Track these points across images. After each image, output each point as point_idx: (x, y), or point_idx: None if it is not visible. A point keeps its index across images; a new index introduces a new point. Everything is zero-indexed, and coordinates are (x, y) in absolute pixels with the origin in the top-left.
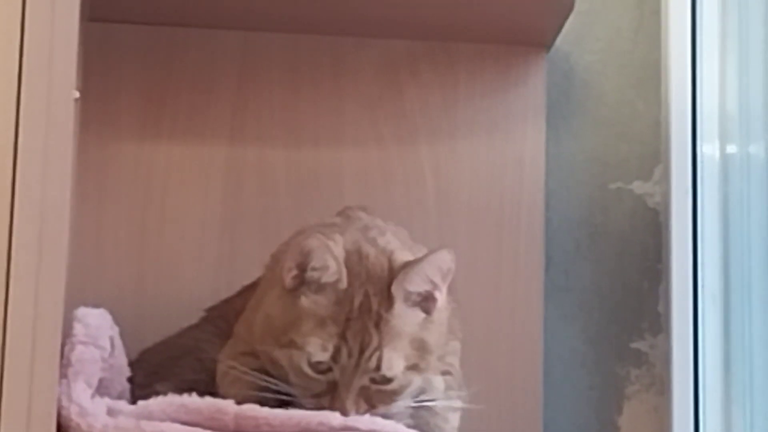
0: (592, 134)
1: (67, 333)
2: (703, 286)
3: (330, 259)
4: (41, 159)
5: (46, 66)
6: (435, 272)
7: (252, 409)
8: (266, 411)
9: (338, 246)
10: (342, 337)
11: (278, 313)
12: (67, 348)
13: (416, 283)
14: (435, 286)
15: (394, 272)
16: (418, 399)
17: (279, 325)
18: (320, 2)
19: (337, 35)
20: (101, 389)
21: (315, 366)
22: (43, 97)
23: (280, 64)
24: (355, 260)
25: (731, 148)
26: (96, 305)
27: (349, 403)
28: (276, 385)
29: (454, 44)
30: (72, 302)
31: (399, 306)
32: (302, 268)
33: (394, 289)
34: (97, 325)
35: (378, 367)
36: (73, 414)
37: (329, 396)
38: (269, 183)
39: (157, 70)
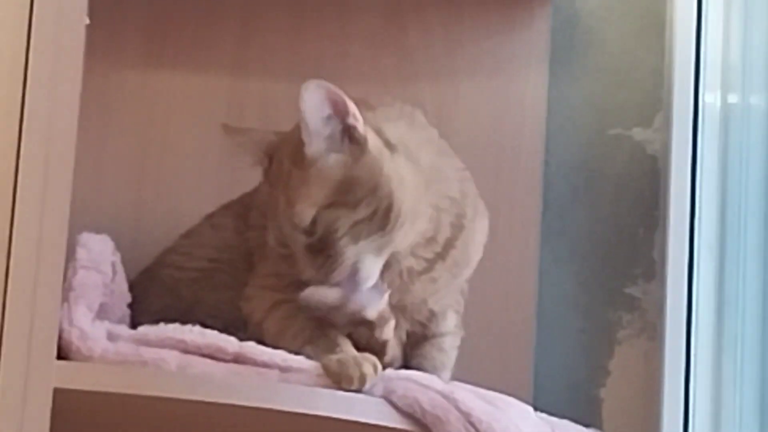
0: (594, 80)
1: (69, 257)
2: (699, 235)
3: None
4: (51, 84)
5: None
6: (316, 109)
7: (252, 350)
8: (267, 352)
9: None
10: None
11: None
12: (69, 272)
13: (316, 131)
14: (338, 118)
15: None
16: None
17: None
18: None
19: None
20: (102, 314)
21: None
22: (54, 23)
23: (284, 1)
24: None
25: (733, 98)
26: (96, 231)
27: (302, 265)
28: None
29: None
30: (74, 227)
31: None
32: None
33: (306, 150)
34: (99, 250)
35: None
36: (73, 337)
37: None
38: (270, 117)
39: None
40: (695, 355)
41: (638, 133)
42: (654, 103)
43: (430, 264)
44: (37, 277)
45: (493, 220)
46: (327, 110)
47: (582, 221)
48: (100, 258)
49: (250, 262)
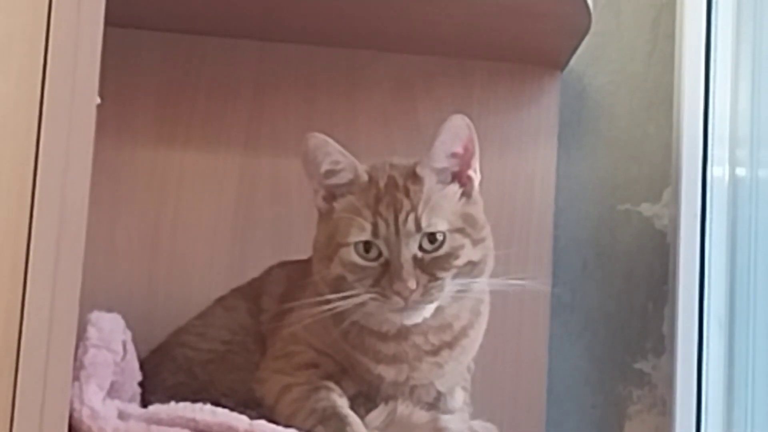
0: (603, 155)
1: (80, 336)
2: (708, 309)
3: (334, 150)
4: (62, 163)
5: (70, 71)
6: (453, 140)
7: (263, 429)
8: (279, 430)
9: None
10: (376, 213)
11: (322, 237)
12: (80, 351)
13: (439, 158)
14: (461, 159)
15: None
16: (469, 277)
17: (323, 241)
18: (337, 15)
19: (354, 48)
20: (113, 392)
21: (362, 252)
22: (66, 102)
23: (296, 75)
24: (378, 165)
25: (741, 172)
26: (108, 309)
27: (406, 274)
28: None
29: (470, 61)
30: (85, 305)
31: (429, 182)
32: (322, 178)
33: (419, 170)
34: (110, 328)
35: (418, 227)
36: (84, 416)
37: (387, 276)
38: (282, 192)
39: (174, 77)
40: (706, 429)
41: (647, 209)
42: (663, 178)
43: (437, 349)
44: (48, 356)
45: (503, 295)
46: (458, 148)
47: (592, 296)
48: (111, 337)
49: (263, 345)
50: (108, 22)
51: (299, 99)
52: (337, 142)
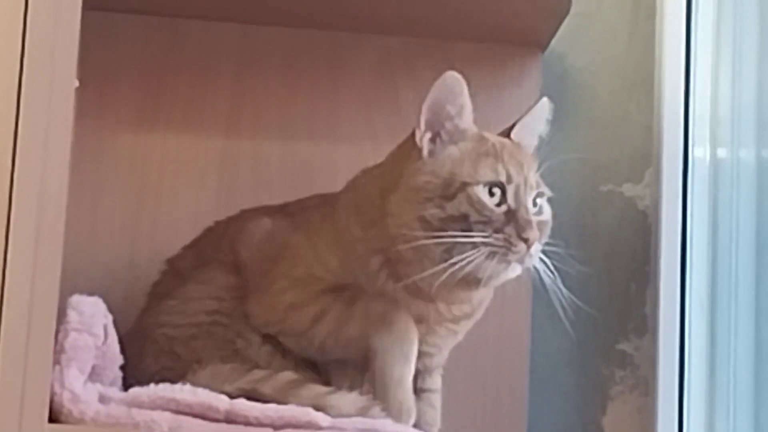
0: (584, 136)
1: (60, 320)
2: (690, 290)
3: (465, 94)
4: (41, 148)
5: (48, 55)
6: (536, 124)
7: (243, 407)
8: (258, 407)
9: None
10: (502, 160)
11: (430, 177)
12: (60, 335)
13: (528, 136)
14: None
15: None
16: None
17: (439, 182)
18: None
19: (335, 30)
20: (94, 376)
21: (493, 194)
22: (44, 86)
23: (278, 59)
24: None
25: (722, 153)
26: (89, 293)
27: (532, 228)
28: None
29: (451, 43)
30: (65, 289)
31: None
32: (435, 124)
33: (513, 136)
34: (91, 312)
35: (537, 184)
36: (65, 400)
37: (511, 224)
38: (264, 176)
39: (154, 60)
40: (688, 410)
41: (629, 189)
42: (644, 159)
43: (457, 319)
44: (29, 340)
45: None
46: (539, 131)
47: (574, 277)
48: (92, 320)
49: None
50: (87, 5)
51: (280, 82)
52: (319, 125)
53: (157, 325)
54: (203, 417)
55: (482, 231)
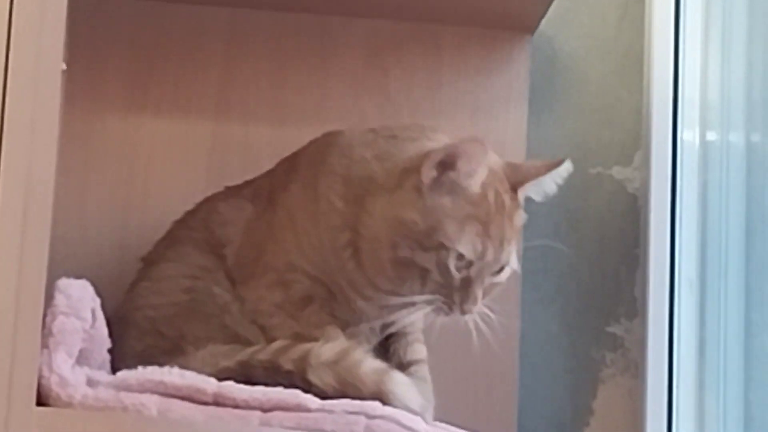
0: (574, 119)
1: (48, 303)
2: (679, 272)
3: (482, 166)
4: (28, 132)
5: (34, 38)
6: (551, 183)
7: (231, 389)
8: (246, 390)
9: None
10: (486, 235)
11: (418, 217)
12: (48, 318)
13: (536, 192)
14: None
15: (516, 176)
16: None
17: (422, 228)
18: None
19: (324, 14)
20: (82, 360)
21: (459, 265)
22: (30, 69)
23: (267, 42)
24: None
25: (711, 136)
26: (78, 277)
27: (478, 296)
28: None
29: (440, 26)
30: (54, 273)
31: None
32: (445, 169)
33: (520, 194)
34: (78, 296)
35: (506, 261)
36: (53, 384)
37: (461, 292)
38: (253, 160)
39: (143, 44)
40: (677, 391)
41: (618, 172)
42: (634, 142)
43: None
44: (17, 324)
45: None
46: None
47: (564, 260)
48: (80, 304)
49: (231, 279)
50: None
51: (269, 66)
52: (308, 108)
53: (134, 308)
54: (191, 399)
55: (432, 287)
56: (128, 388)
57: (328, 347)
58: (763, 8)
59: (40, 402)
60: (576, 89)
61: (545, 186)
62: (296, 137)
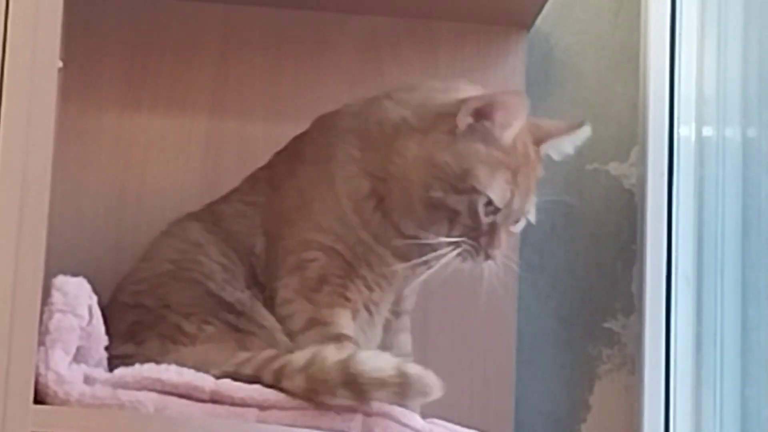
0: (570, 115)
1: (45, 301)
2: (676, 268)
3: (518, 120)
4: (24, 128)
5: (30, 35)
6: (569, 145)
7: (228, 387)
8: (243, 388)
9: None
10: (515, 183)
11: (451, 159)
12: (45, 316)
13: (555, 151)
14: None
15: (538, 132)
16: None
17: (456, 171)
18: None
19: (319, 10)
20: (79, 357)
21: (487, 210)
22: (27, 66)
23: (262, 38)
24: None
25: (707, 131)
26: (74, 274)
27: (503, 241)
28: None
29: (436, 22)
30: (50, 271)
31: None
32: (481, 117)
33: (543, 149)
34: (75, 293)
35: (527, 212)
36: (50, 381)
37: (487, 236)
38: (249, 157)
39: (139, 41)
40: (675, 387)
41: (615, 168)
42: (630, 138)
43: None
44: (13, 321)
45: None
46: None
47: (560, 256)
48: (76, 301)
49: (239, 260)
50: None
51: (265, 62)
52: (304, 104)
53: (123, 291)
54: (189, 397)
55: (460, 230)
56: (125, 386)
57: (301, 354)
58: (758, 3)
59: (37, 400)
60: (572, 85)
61: (564, 146)
62: (292, 133)
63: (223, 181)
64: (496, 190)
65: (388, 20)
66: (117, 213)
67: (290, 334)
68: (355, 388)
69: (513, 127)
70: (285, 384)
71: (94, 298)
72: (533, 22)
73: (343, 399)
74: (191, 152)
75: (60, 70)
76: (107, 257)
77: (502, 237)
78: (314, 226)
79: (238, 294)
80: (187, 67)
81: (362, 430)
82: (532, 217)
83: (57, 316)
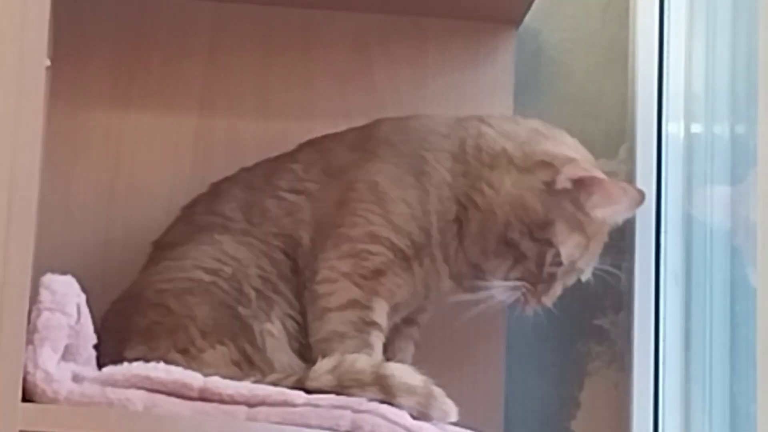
0: (559, 112)
1: (33, 299)
2: (665, 265)
3: (611, 208)
4: (11, 127)
5: (17, 34)
6: (621, 215)
7: (216, 385)
8: (232, 385)
9: None
10: (585, 248)
11: (540, 207)
12: (33, 314)
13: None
14: None
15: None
16: None
17: (539, 220)
18: None
19: (308, 8)
20: (67, 356)
21: (553, 261)
22: (14, 65)
23: (251, 36)
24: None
25: (696, 128)
26: (63, 272)
27: (557, 292)
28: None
29: (425, 19)
30: (39, 269)
31: None
32: (580, 188)
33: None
34: (63, 291)
35: (585, 272)
36: (38, 380)
37: (544, 284)
38: (238, 154)
39: (127, 38)
40: (663, 383)
41: (604, 165)
42: (619, 135)
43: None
44: (1, 320)
45: None
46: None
47: None
48: (64, 299)
49: (277, 277)
50: None
51: (254, 60)
52: (293, 102)
53: (147, 285)
54: (177, 395)
55: (520, 272)
56: (114, 384)
57: (327, 361)
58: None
59: (26, 398)
60: (561, 82)
61: (616, 218)
62: (281, 131)
63: (213, 178)
64: (569, 248)
65: (377, 17)
66: (106, 211)
67: (322, 311)
68: (386, 388)
69: (605, 210)
70: (310, 384)
71: (83, 297)
72: (522, 19)
73: (372, 394)
74: (180, 150)
75: (48, 68)
76: (96, 255)
77: (558, 288)
78: (389, 224)
79: (268, 325)
80: (176, 65)
81: (351, 427)
82: (585, 277)
83: (45, 314)
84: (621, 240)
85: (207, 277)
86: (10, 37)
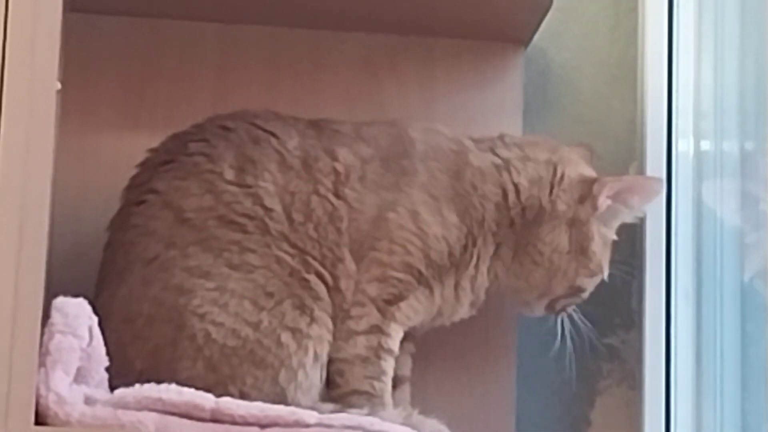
0: (568, 131)
1: (45, 322)
2: (675, 283)
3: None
4: (23, 149)
5: (28, 57)
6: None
7: (229, 405)
8: (244, 405)
9: None
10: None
11: (597, 249)
12: (45, 337)
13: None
14: None
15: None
16: None
17: (597, 261)
18: None
19: (316, 29)
20: (79, 378)
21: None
22: (25, 89)
23: (259, 57)
24: None
25: (705, 145)
26: (74, 295)
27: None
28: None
29: (433, 39)
30: (51, 292)
31: None
32: (618, 199)
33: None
34: (75, 314)
35: None
36: (51, 402)
37: (571, 298)
38: None
39: (136, 61)
40: (675, 402)
41: None
42: (628, 153)
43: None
44: (14, 343)
45: None
46: None
47: None
48: (76, 322)
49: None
50: (68, 7)
51: (262, 81)
52: None
53: (194, 314)
54: (189, 416)
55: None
56: (126, 406)
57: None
58: (754, 17)
59: (38, 421)
60: (569, 101)
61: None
62: None
63: None
64: (606, 269)
65: (385, 37)
66: None
67: (349, 333)
68: None
69: (641, 210)
70: None
71: (95, 319)
72: (530, 38)
73: None
74: None
75: (58, 91)
76: None
77: (583, 298)
78: (425, 258)
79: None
80: (184, 87)
81: None
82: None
83: (57, 337)
84: (631, 257)
85: (252, 335)
86: (21, 61)
